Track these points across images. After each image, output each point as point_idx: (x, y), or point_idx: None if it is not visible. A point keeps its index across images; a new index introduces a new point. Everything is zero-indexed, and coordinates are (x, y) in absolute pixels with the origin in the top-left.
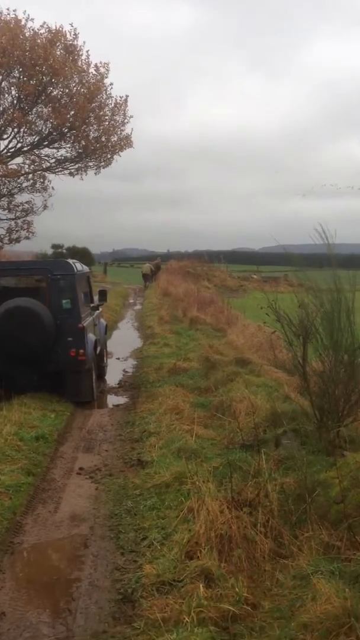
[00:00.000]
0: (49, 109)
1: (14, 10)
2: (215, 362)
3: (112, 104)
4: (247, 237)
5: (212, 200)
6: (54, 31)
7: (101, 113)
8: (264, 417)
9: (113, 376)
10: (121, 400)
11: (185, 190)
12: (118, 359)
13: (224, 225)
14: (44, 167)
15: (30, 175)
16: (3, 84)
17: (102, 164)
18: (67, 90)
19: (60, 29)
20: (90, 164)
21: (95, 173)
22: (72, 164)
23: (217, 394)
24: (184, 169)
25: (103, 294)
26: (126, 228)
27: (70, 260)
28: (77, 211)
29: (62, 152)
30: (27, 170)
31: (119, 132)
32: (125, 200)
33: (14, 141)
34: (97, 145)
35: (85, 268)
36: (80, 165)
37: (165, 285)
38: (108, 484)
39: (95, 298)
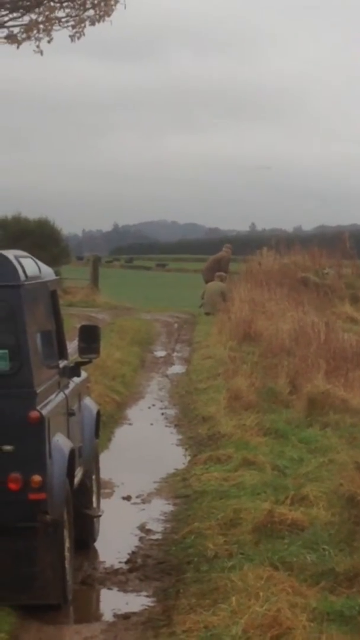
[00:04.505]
0: None
1: None
2: None
3: None
4: None
5: None
6: None
7: None
8: None
9: (116, 542)
10: (135, 602)
11: (302, 75)
12: (128, 498)
13: None
14: None
15: None
16: None
17: (99, 12)
18: None
19: None
20: (62, 13)
21: (73, 38)
22: (16, 14)
23: None
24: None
25: (91, 336)
26: (144, 176)
27: (11, 254)
28: (26, 131)
29: None
30: None
31: None
32: (138, 104)
33: None
34: None
35: (48, 272)
36: (35, 17)
37: (246, 312)
38: None
39: (72, 345)
